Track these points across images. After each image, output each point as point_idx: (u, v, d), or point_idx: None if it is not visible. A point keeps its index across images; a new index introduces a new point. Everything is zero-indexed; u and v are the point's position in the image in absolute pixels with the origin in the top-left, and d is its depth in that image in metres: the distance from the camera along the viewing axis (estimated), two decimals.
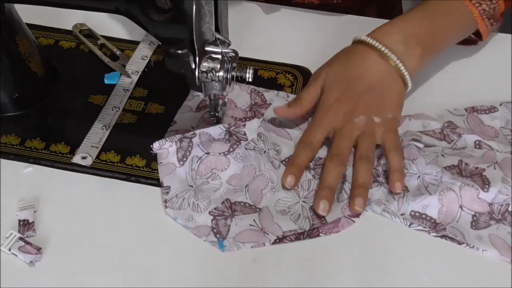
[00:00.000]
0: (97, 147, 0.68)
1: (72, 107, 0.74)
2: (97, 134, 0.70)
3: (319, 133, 0.66)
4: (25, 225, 0.62)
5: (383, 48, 0.67)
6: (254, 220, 0.63)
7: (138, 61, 0.78)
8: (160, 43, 0.80)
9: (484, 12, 0.68)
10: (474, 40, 0.74)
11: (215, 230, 0.62)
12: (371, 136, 0.66)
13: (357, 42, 0.70)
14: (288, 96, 0.74)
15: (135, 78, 0.76)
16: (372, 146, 0.66)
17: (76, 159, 0.67)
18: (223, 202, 0.64)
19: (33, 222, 0.62)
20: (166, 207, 0.64)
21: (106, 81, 0.76)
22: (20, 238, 0.61)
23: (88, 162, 0.67)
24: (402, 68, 0.67)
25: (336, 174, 0.64)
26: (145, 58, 0.78)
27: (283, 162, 0.67)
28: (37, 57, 0.72)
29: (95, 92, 0.75)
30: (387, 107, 0.67)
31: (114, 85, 0.75)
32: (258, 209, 0.64)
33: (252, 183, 0.65)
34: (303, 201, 0.64)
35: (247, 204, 0.64)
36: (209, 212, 0.63)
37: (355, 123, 0.66)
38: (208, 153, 0.66)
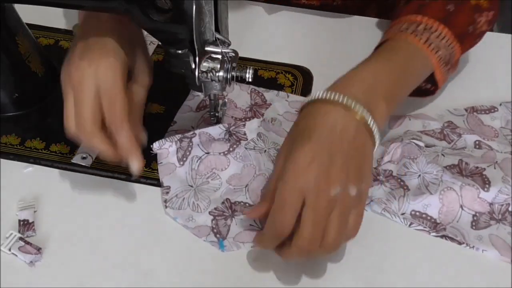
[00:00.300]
0: None
1: None
2: None
3: (289, 218, 0.54)
4: (25, 225, 0.62)
5: (348, 101, 0.56)
6: (254, 220, 0.63)
7: None
8: (159, 43, 0.80)
9: (441, 59, 0.65)
10: (431, 90, 0.70)
11: (215, 230, 0.62)
12: (344, 216, 0.54)
13: (313, 102, 0.58)
14: (288, 96, 0.74)
15: None
16: (343, 230, 0.54)
17: (76, 159, 0.67)
18: (223, 202, 0.64)
19: (33, 222, 0.62)
20: (166, 207, 0.64)
21: None
22: (20, 238, 0.61)
23: (88, 162, 0.67)
24: (372, 123, 0.56)
25: (298, 259, 0.57)
26: None
27: None
28: (37, 57, 0.72)
29: None
30: (362, 172, 0.56)
31: None
32: None
33: (252, 183, 0.65)
34: None
35: (247, 204, 0.64)
36: (209, 212, 0.63)
37: (331, 198, 0.53)
38: (208, 153, 0.66)
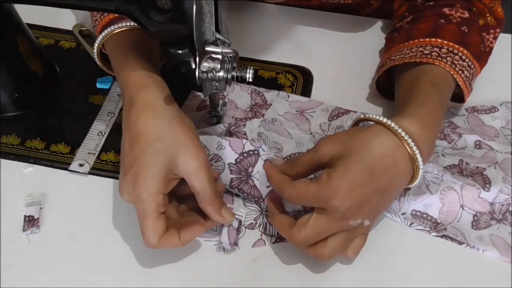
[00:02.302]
0: (94, 154, 0.68)
1: (72, 107, 0.74)
2: (93, 141, 0.70)
3: (298, 204, 0.58)
4: (30, 221, 0.62)
5: (414, 149, 0.56)
6: (254, 219, 0.63)
7: None
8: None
9: (467, 78, 0.67)
10: None
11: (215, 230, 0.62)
12: (349, 240, 0.57)
13: (381, 123, 0.57)
14: (288, 96, 0.74)
15: None
16: (342, 250, 0.57)
17: (74, 166, 0.67)
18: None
19: (38, 218, 0.63)
20: None
21: (98, 86, 0.75)
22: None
23: (85, 169, 0.67)
24: (416, 181, 0.58)
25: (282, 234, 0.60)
26: None
27: (285, 159, 0.67)
28: (37, 57, 0.72)
29: (95, 92, 0.75)
30: (383, 210, 0.60)
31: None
32: (260, 209, 0.64)
33: None
34: None
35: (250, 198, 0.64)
36: None
37: (349, 225, 0.55)
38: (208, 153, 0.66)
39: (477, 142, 0.68)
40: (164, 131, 0.56)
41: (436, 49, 0.66)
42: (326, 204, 0.54)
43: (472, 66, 0.67)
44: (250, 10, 0.87)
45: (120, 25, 0.64)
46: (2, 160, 0.68)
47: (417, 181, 0.58)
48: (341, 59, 0.80)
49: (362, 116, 0.60)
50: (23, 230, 0.62)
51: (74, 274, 0.60)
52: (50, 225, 0.63)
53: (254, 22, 0.85)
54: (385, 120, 0.57)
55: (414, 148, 0.56)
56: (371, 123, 0.59)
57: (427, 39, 0.67)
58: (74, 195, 0.65)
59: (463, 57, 0.66)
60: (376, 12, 0.88)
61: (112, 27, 0.64)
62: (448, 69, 0.65)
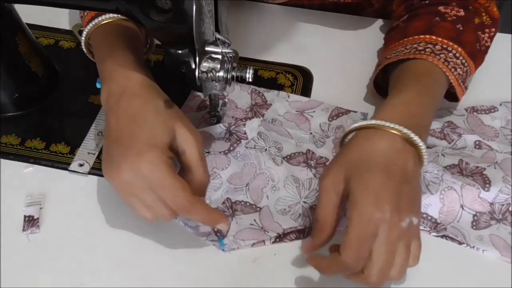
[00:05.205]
0: (94, 154, 0.68)
1: (72, 107, 0.74)
2: (93, 141, 0.70)
3: (366, 251, 0.53)
4: (30, 221, 0.62)
5: (411, 135, 0.57)
6: (254, 220, 0.63)
7: None
8: (156, 43, 0.80)
9: (459, 76, 0.67)
10: None
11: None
12: (408, 246, 0.54)
13: (369, 127, 0.58)
14: (288, 96, 0.74)
15: None
16: (407, 261, 0.55)
17: (73, 166, 0.67)
18: (223, 202, 0.64)
19: (37, 218, 0.63)
20: None
21: (98, 86, 0.75)
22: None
23: (85, 169, 0.67)
24: (425, 154, 0.58)
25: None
26: None
27: (285, 159, 0.67)
28: (37, 57, 0.72)
29: (95, 92, 0.75)
30: (419, 202, 0.58)
31: None
32: (258, 208, 0.64)
33: (253, 182, 0.65)
34: (304, 201, 0.64)
35: (247, 204, 0.64)
36: None
37: (402, 230, 0.53)
38: (208, 152, 0.66)
39: (477, 142, 0.68)
40: (161, 110, 0.58)
41: (430, 46, 0.66)
42: (376, 225, 0.52)
43: (466, 64, 0.67)
44: (250, 10, 0.87)
45: (107, 16, 0.65)
46: (2, 160, 0.68)
47: (425, 158, 0.58)
48: (341, 59, 0.80)
49: (342, 133, 0.61)
50: (23, 230, 0.62)
51: (74, 274, 0.60)
52: (50, 225, 0.63)
53: (254, 22, 0.85)
54: (364, 122, 0.58)
55: (404, 130, 0.57)
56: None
57: (422, 36, 0.68)
58: (74, 195, 0.66)
59: (457, 54, 0.66)
60: (377, 12, 0.88)
61: (100, 18, 0.65)
62: (441, 66, 0.65)
